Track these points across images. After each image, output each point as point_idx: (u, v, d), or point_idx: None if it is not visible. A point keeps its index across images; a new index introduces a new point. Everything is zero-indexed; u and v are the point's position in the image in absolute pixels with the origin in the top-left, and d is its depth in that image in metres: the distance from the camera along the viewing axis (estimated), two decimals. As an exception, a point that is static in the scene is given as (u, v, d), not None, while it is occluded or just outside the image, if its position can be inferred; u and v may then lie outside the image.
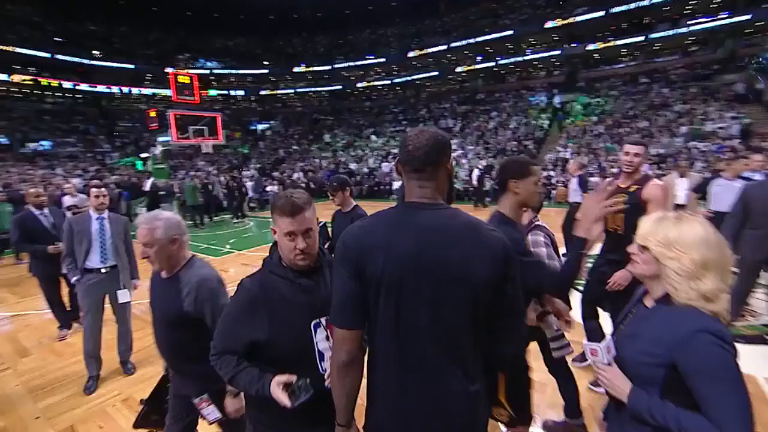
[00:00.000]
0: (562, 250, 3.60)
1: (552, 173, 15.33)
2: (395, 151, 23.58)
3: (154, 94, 32.82)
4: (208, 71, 35.75)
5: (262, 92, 38.30)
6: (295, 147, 30.74)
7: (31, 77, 29.18)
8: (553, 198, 13.58)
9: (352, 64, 36.73)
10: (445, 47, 32.03)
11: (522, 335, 1.14)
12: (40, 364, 3.58)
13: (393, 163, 20.61)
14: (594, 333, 2.84)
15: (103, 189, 3.10)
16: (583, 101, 22.37)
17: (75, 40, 30.66)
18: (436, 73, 33.84)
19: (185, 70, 13.14)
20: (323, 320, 1.28)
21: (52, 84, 30.19)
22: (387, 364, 1.05)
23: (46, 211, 4.18)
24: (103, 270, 3.09)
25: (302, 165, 24.33)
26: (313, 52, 39.39)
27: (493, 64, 30.80)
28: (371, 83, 37.20)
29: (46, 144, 24.82)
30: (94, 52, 31.71)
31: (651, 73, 23.49)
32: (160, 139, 11.53)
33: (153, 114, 12.36)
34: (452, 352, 1.02)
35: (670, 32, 23.15)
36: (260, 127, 35.45)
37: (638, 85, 22.65)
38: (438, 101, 31.75)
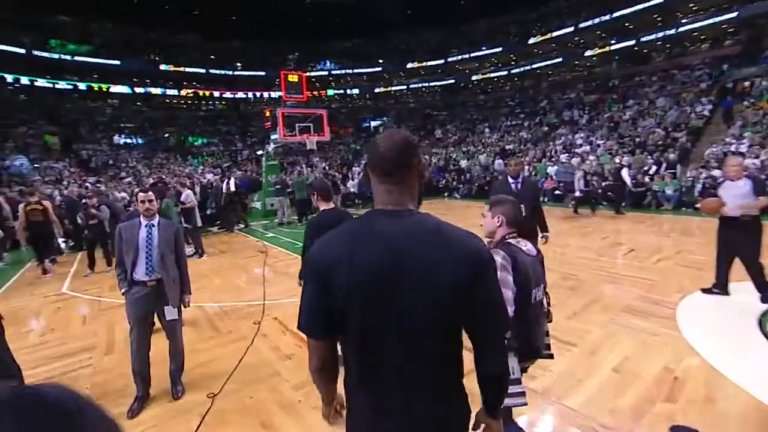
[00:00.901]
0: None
1: (717, 173, 11.74)
2: (510, 147, 21.55)
3: (280, 96, 36.48)
4: (326, 72, 38.13)
5: (377, 90, 39.28)
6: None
7: (193, 90, 35.00)
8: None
9: (466, 56, 35.28)
10: (572, 29, 28.32)
11: (499, 351, 1.06)
12: (118, 365, 3.43)
13: (503, 160, 19.09)
14: None
15: (150, 194, 2.84)
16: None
17: (223, 57, 35.69)
18: (559, 60, 30.27)
19: (301, 72, 13.74)
20: None
21: (206, 94, 35.86)
22: (359, 381, 1.04)
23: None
24: (148, 283, 2.79)
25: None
26: (426, 47, 38.95)
27: (632, 42, 26.07)
28: (486, 75, 35.11)
29: (198, 143, 29.41)
30: (237, 64, 36.57)
31: None
32: (273, 137, 12.17)
33: (267, 114, 13.19)
34: (423, 366, 0.98)
35: None
36: (373, 123, 36.40)
37: None
38: (561, 90, 28.27)
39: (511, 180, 4.13)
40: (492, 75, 34.74)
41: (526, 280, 1.73)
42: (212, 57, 35.60)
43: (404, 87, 39.47)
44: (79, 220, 7.72)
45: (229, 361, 3.42)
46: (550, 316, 2.00)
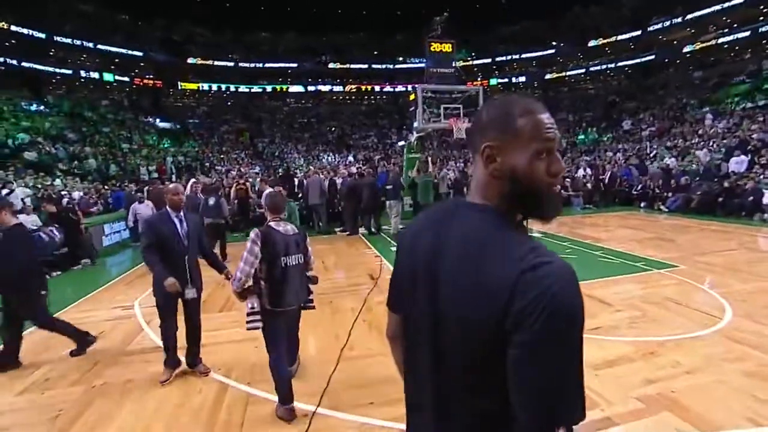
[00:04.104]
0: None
1: None
2: (756, 137, 14.74)
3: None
4: (489, 59, 34.91)
5: (547, 76, 34.20)
6: (581, 137, 25.37)
7: (356, 85, 36.74)
8: None
9: (678, 20, 26.81)
10: None
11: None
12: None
13: (747, 158, 12.81)
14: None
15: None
16: None
17: (386, 52, 36.23)
18: None
19: (449, 40, 10.95)
20: None
21: (368, 89, 37.22)
22: (405, 379, 0.95)
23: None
24: None
25: (588, 159, 19.10)
26: (617, 18, 31.54)
27: None
28: (708, 43, 25.97)
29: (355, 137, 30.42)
30: (399, 57, 36.68)
31: None
32: (415, 124, 10.14)
33: (412, 97, 11.09)
34: (446, 397, 0.80)
35: None
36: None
37: None
38: None
39: None
40: (721, 41, 25.46)
41: (274, 250, 2.50)
42: (375, 52, 36.55)
43: (582, 70, 33.17)
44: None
45: None
46: (315, 280, 2.89)
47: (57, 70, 26.67)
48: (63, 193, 9.79)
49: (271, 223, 2.62)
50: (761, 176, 10.80)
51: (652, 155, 17.49)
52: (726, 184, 10.61)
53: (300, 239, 2.67)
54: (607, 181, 13.54)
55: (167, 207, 3.02)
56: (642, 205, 12.21)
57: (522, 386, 0.65)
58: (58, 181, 13.27)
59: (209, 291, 4.58)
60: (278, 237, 2.54)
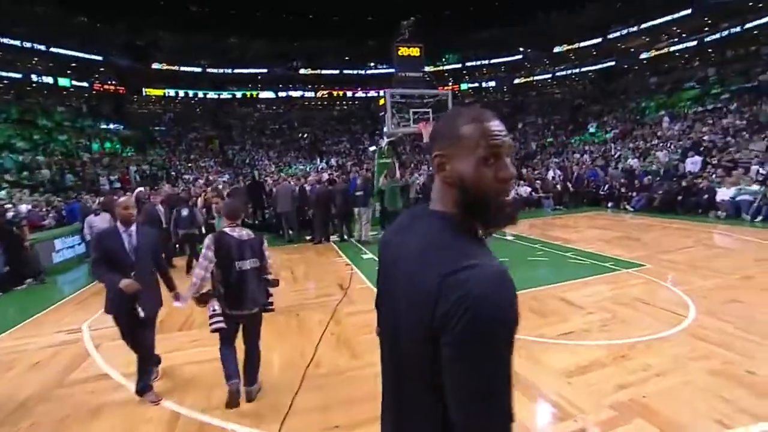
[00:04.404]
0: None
1: None
2: (707, 138, 15.58)
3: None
4: (459, 64, 35.52)
5: (516, 81, 35.14)
6: (549, 140, 26.09)
7: (328, 90, 36.47)
8: None
9: (634, 29, 28.18)
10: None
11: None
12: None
13: (700, 158, 13.47)
14: None
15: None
16: None
17: (357, 57, 36.18)
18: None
19: (417, 44, 10.95)
20: None
21: (339, 94, 37.01)
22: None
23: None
24: None
25: (557, 161, 19.63)
26: (579, 25, 32.92)
27: None
28: (662, 51, 27.39)
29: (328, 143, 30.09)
30: (370, 63, 36.71)
31: None
32: (386, 129, 10.06)
33: (382, 102, 11.03)
34: (401, 405, 0.82)
35: None
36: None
37: None
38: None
39: None
40: (672, 49, 26.88)
41: (228, 254, 2.62)
42: (347, 58, 36.45)
43: (549, 75, 34.30)
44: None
45: None
46: (275, 283, 2.91)
47: (4, 74, 25.02)
48: (7, 206, 9.07)
49: (226, 229, 2.71)
50: (713, 175, 11.36)
51: (616, 156, 18.16)
52: (684, 184, 11.08)
53: (256, 243, 2.75)
54: (574, 182, 13.89)
55: (117, 221, 2.88)
56: (609, 205, 12.59)
57: (452, 388, 0.66)
58: (2, 193, 12.37)
59: (167, 310, 4.27)
60: (232, 242, 2.64)
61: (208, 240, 2.65)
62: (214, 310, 2.64)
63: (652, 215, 10.34)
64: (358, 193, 8.44)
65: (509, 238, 8.17)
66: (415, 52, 10.86)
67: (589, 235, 8.21)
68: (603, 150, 20.17)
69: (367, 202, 8.51)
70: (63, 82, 27.43)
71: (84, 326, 4.47)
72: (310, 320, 4.29)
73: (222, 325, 2.64)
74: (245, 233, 2.73)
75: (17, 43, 24.93)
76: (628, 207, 11.74)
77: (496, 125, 0.74)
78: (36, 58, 26.78)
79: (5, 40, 24.30)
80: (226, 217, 2.80)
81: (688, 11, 24.97)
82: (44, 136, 20.57)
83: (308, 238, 9.13)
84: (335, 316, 4.32)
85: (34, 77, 26.38)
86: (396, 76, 10.83)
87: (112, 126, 26.54)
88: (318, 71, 35.53)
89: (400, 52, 10.84)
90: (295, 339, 3.84)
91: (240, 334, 2.80)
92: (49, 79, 26.85)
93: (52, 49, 26.46)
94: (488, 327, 0.62)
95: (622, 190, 12.55)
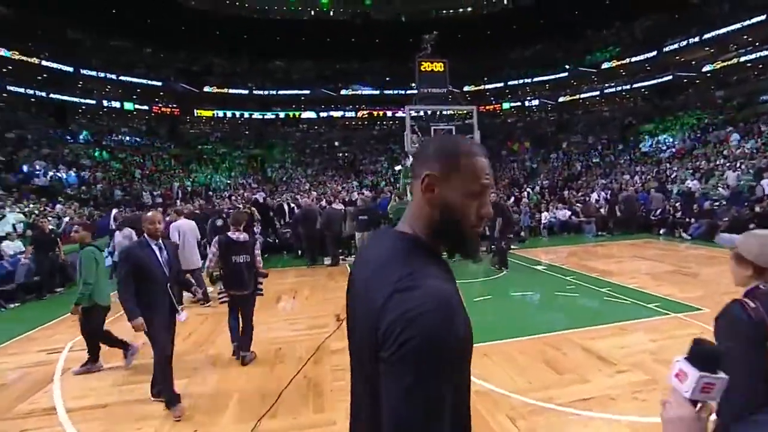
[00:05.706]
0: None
1: None
2: (787, 159, 13.67)
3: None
4: (501, 83, 34.75)
5: (561, 99, 33.70)
6: (595, 160, 24.44)
7: (368, 111, 36.99)
8: None
9: (695, 40, 26.08)
10: None
11: None
12: None
13: None
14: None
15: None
16: None
17: (398, 78, 36.53)
18: None
19: (440, 60, 10.46)
20: None
21: (379, 114, 37.40)
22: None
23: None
24: None
25: (605, 182, 18.15)
26: (631, 40, 31.20)
27: None
28: (728, 62, 25.03)
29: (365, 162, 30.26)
30: (411, 84, 36.85)
31: None
32: (406, 148, 9.61)
33: None
34: (362, 402, 0.80)
35: None
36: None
37: None
38: None
39: None
40: (743, 59, 24.45)
41: (228, 251, 3.65)
42: (387, 79, 36.89)
43: (596, 93, 32.50)
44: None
45: None
46: (264, 274, 3.95)
47: (81, 101, 27.94)
48: (49, 219, 9.62)
49: (229, 233, 3.75)
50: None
51: (673, 177, 16.43)
52: (757, 209, 9.57)
53: (249, 244, 3.76)
54: (622, 205, 12.57)
55: (145, 235, 2.97)
56: (661, 231, 11.20)
57: (383, 406, 0.63)
58: (59, 207, 13.31)
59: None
60: (230, 242, 3.68)
61: (214, 241, 3.77)
62: (221, 290, 3.76)
63: (714, 246, 8.93)
64: (361, 217, 7.99)
65: (541, 267, 7.33)
66: (438, 67, 10.38)
67: (634, 267, 7.14)
68: (656, 171, 18.40)
69: (369, 227, 7.88)
70: (128, 106, 30.17)
71: (68, 345, 4.35)
72: (291, 356, 3.85)
73: (227, 299, 3.72)
74: (242, 236, 3.74)
75: (94, 73, 27.96)
76: (684, 235, 10.33)
77: (488, 164, 0.77)
78: (108, 87, 29.70)
79: (85, 71, 27.38)
80: (231, 224, 3.82)
81: (762, 17, 22.68)
82: (106, 154, 22.38)
83: (326, 262, 8.78)
84: (317, 354, 3.84)
85: (105, 102, 29.29)
86: (419, 93, 10.40)
87: (165, 144, 28.53)
88: (359, 92, 36.22)
89: (422, 68, 10.42)
90: (265, 378, 3.42)
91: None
92: (117, 104, 29.67)
93: (122, 78, 29.26)
94: (419, 353, 0.59)
95: (677, 215, 11.14)
